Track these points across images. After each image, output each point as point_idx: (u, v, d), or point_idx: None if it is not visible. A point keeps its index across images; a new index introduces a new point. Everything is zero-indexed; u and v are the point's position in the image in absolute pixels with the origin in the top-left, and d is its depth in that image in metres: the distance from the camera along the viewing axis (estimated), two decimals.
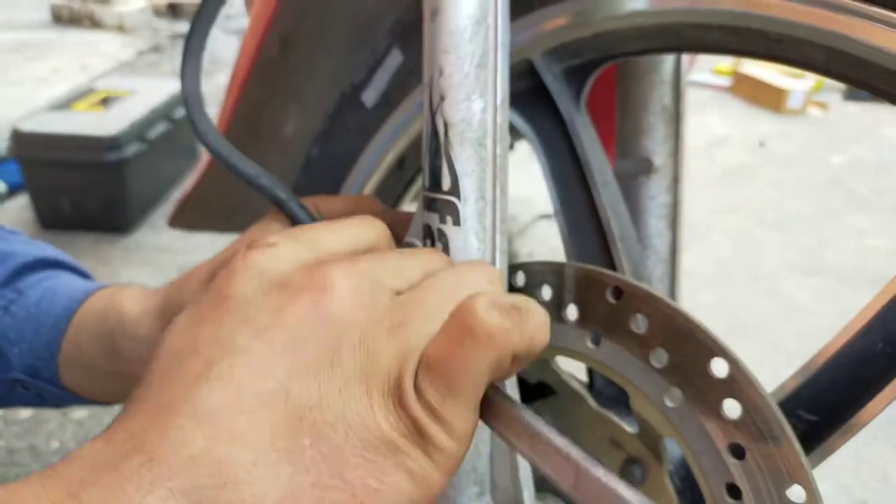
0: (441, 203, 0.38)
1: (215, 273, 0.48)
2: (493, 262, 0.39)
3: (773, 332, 1.81)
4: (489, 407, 0.32)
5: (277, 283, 0.30)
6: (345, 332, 0.29)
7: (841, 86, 3.71)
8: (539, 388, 0.46)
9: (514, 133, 0.53)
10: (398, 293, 0.32)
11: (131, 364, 0.54)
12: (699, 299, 1.95)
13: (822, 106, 3.57)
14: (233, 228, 1.02)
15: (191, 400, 0.27)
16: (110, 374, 0.56)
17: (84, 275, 0.66)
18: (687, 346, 0.36)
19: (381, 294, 0.31)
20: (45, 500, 0.24)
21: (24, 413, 1.49)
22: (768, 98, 3.57)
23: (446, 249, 0.38)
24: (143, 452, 0.25)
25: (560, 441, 0.30)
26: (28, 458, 1.36)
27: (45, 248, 0.64)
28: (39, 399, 0.59)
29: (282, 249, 0.31)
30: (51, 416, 1.48)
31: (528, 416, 0.31)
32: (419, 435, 0.29)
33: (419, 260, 0.34)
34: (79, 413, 1.49)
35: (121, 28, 4.90)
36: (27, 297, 0.59)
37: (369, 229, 0.36)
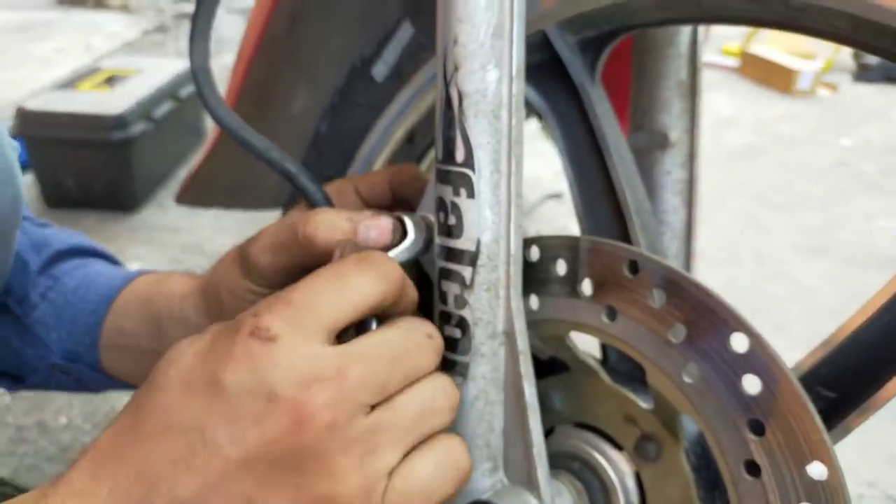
0: (455, 175, 0.37)
1: (243, 251, 0.49)
2: (508, 237, 0.38)
3: (779, 314, 1.80)
4: None
5: (266, 393, 0.31)
6: (316, 463, 0.32)
7: (851, 67, 3.67)
8: (552, 364, 0.46)
9: (524, 109, 0.52)
10: (374, 407, 0.34)
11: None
12: (704, 280, 1.94)
13: (832, 87, 3.54)
14: (240, 205, 1.02)
15: (169, 483, 0.31)
16: (154, 356, 0.57)
17: (115, 262, 0.67)
18: (706, 321, 0.36)
19: (358, 417, 0.33)
20: None
21: None
22: (777, 79, 3.53)
23: (460, 223, 0.37)
24: None
25: None
26: (36, 435, 1.37)
27: (77, 237, 0.66)
28: (78, 384, 0.61)
29: (281, 350, 0.32)
30: (58, 392, 1.48)
31: None
32: None
33: (406, 363, 0.35)
34: None
35: (125, 8, 4.87)
36: (64, 284, 0.60)
37: (377, 285, 0.36)
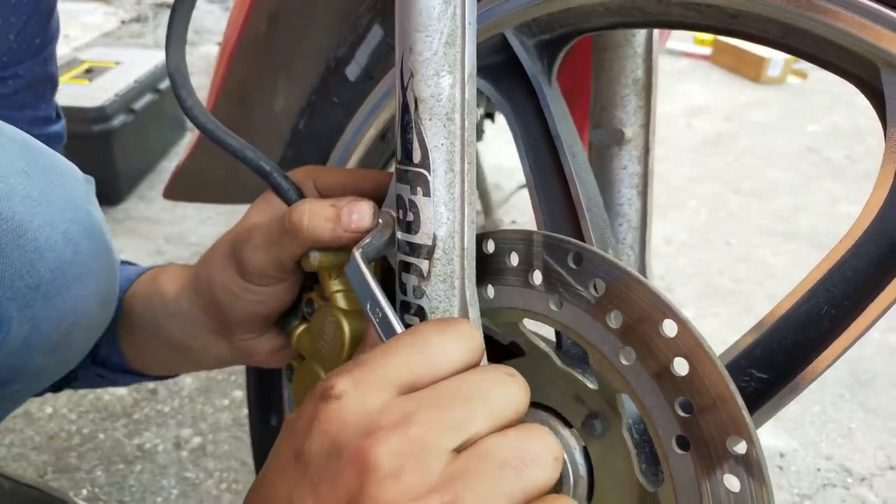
0: (412, 175, 0.40)
1: (235, 250, 0.51)
2: (462, 232, 0.41)
3: (746, 297, 1.84)
4: None
5: (335, 450, 0.32)
6: None
7: None
8: (509, 349, 0.49)
9: (493, 105, 0.55)
10: (457, 450, 0.32)
11: (177, 338, 0.58)
12: (675, 264, 1.98)
13: (802, 75, 3.58)
14: (227, 199, 1.04)
15: None
16: (162, 350, 0.60)
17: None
18: (640, 308, 0.38)
19: (431, 463, 0.31)
20: None
21: None
22: (748, 67, 3.57)
23: (418, 219, 0.40)
24: None
25: None
26: (22, 425, 1.39)
27: None
28: (113, 383, 0.65)
29: (345, 405, 0.33)
30: None
31: None
32: None
33: (489, 400, 0.34)
34: None
35: None
36: None
37: (457, 344, 0.36)
